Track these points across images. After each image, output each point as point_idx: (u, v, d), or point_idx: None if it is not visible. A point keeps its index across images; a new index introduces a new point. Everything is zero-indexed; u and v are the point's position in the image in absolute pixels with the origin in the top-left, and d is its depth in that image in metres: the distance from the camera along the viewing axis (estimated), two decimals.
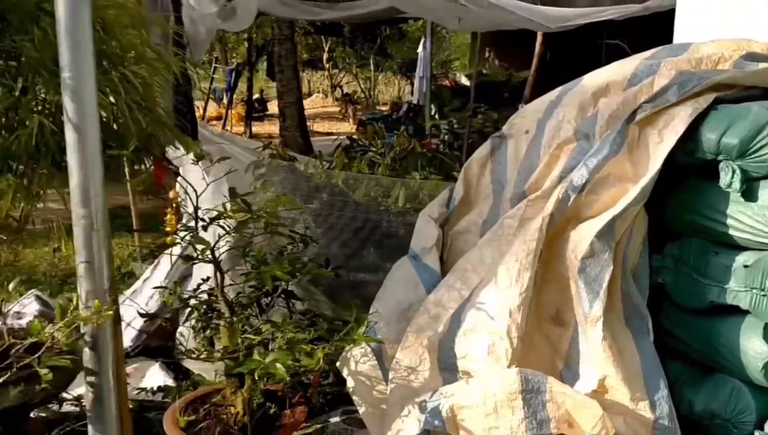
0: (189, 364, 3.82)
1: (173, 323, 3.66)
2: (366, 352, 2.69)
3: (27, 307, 3.67)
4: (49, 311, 3.85)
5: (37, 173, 2.40)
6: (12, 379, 2.09)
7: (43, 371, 2.08)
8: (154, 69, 2.68)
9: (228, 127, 13.49)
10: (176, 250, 3.91)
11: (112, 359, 2.13)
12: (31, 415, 2.84)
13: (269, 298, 2.96)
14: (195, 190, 2.52)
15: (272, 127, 16.44)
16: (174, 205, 2.47)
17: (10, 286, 2.37)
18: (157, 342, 3.75)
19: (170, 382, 3.60)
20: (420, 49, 11.93)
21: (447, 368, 2.52)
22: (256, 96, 16.16)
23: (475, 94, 8.12)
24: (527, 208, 2.67)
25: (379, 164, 5.28)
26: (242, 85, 15.16)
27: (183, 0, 3.63)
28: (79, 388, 3.15)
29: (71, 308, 2.01)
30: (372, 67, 19.87)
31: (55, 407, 3.01)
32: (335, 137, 14.48)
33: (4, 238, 2.29)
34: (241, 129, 14.51)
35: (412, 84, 17.38)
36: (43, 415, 3.10)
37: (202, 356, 2.50)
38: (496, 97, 10.50)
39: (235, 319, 2.50)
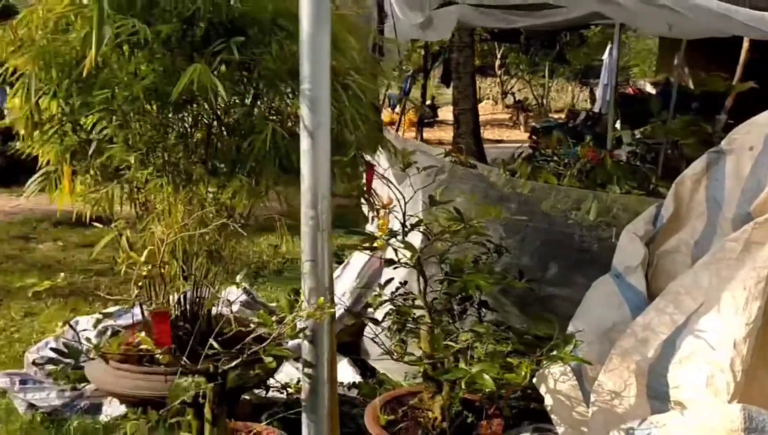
0: (374, 362, 3.95)
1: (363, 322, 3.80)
2: (566, 371, 2.62)
3: (234, 296, 3.96)
4: (252, 301, 4.16)
5: (264, 175, 2.59)
6: (240, 364, 2.27)
7: (268, 359, 2.24)
8: (367, 78, 2.80)
9: (400, 133, 13.78)
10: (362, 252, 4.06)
11: (328, 354, 2.25)
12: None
13: (461, 306, 2.98)
14: (403, 197, 2.60)
15: (442, 133, 16.60)
16: (386, 210, 2.56)
17: (238, 278, 2.57)
18: (348, 338, 3.90)
19: (358, 379, 3.74)
20: (605, 55, 11.43)
21: (657, 396, 2.39)
22: (427, 102, 16.40)
23: (661, 103, 7.60)
24: (754, 231, 2.45)
25: (564, 175, 5.14)
26: (414, 91, 15.44)
27: (388, 11, 3.76)
28: (278, 375, 3.37)
29: (300, 303, 2.14)
30: (546, 74, 19.41)
31: (262, 393, 3.24)
32: (506, 145, 14.34)
33: (244, 233, 2.48)
34: (412, 134, 14.77)
35: (592, 91, 16.76)
36: (247, 398, 3.35)
37: (405, 359, 2.56)
38: (685, 108, 9.80)
39: (436, 326, 2.54)
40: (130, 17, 2.29)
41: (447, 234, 2.56)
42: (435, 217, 2.54)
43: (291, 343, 3.03)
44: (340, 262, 4.81)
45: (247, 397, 3.30)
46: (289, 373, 3.56)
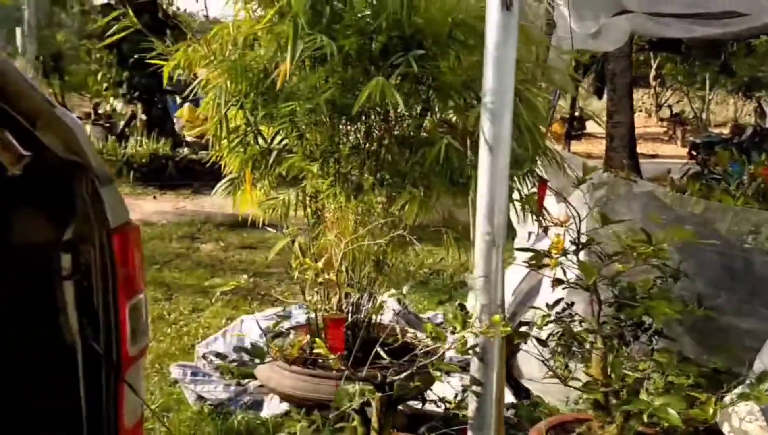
0: (528, 383, 3.84)
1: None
2: (753, 410, 2.39)
3: (387, 304, 4.01)
4: (405, 311, 4.19)
5: (435, 187, 2.59)
6: (409, 375, 2.27)
7: (437, 374, 2.23)
8: (539, 89, 2.73)
9: None
10: (515, 267, 3.96)
11: (498, 373, 2.19)
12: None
13: (632, 332, 2.81)
14: (578, 214, 2.49)
15: (590, 147, 16.00)
16: (565, 227, 2.47)
17: (404, 289, 2.59)
18: None
19: (511, 399, 3.64)
20: None
21: None
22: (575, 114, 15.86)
23: None
24: None
25: (736, 195, 4.77)
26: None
27: (559, 21, 3.67)
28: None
29: (473, 319, 2.11)
30: (707, 85, 18.14)
31: (415, 404, 3.24)
32: (662, 160, 13.54)
33: (418, 244, 2.50)
34: (559, 147, 14.31)
35: (760, 105, 15.46)
36: (400, 407, 3.36)
37: (576, 385, 2.45)
38: None
39: (610, 352, 2.41)
40: (317, 33, 2.38)
41: (625, 255, 2.42)
42: (616, 236, 2.41)
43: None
44: None
45: (400, 407, 3.31)
46: (440, 385, 3.54)
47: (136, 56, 10.04)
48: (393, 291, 4.40)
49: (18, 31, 12.25)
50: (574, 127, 15.78)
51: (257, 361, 2.13)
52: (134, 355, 1.64)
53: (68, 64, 13.45)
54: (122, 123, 11.36)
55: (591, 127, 17.24)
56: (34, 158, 1.44)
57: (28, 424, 1.68)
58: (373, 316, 3.09)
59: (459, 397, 2.61)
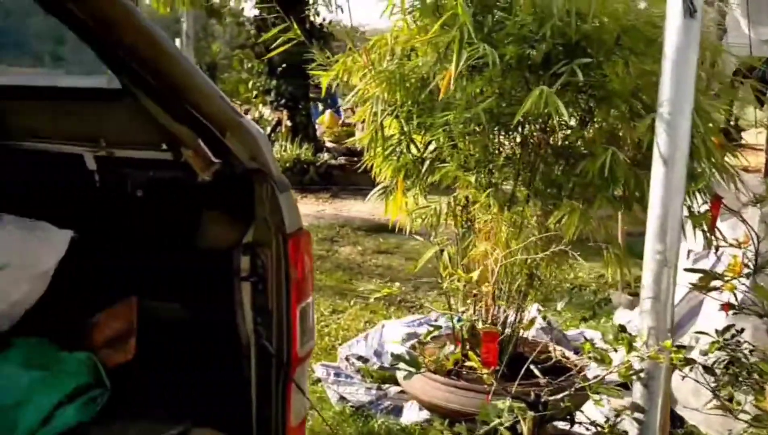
0: (681, 411, 3.59)
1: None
2: None
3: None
4: (549, 327, 4.06)
5: (596, 201, 2.48)
6: (566, 396, 2.19)
7: (596, 397, 2.12)
8: (711, 98, 2.56)
9: None
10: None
11: (663, 400, 2.06)
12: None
13: None
14: (757, 235, 2.30)
15: (745, 159, 14.79)
16: (743, 248, 2.29)
17: (559, 306, 2.50)
18: None
19: None
20: None
21: None
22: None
23: None
24: None
25: None
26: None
27: (732, 26, 3.42)
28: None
29: (641, 342, 1.99)
30: None
31: (561, 424, 3.12)
32: None
33: (579, 259, 2.40)
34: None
35: None
36: (553, 424, 3.24)
37: (746, 417, 2.25)
38: None
39: None
40: (479, 41, 2.35)
41: None
42: None
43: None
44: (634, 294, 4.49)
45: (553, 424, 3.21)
46: (587, 406, 3.39)
47: (284, 65, 10.57)
48: (540, 307, 4.29)
49: (177, 41, 13.23)
50: (729, 138, 14.65)
51: (413, 370, 2.13)
52: (302, 356, 1.69)
53: (221, 72, 14.35)
54: (269, 129, 11.91)
55: (747, 137, 15.94)
56: (222, 165, 1.52)
57: (201, 419, 1.76)
58: (521, 331, 3.02)
59: (612, 422, 2.48)
